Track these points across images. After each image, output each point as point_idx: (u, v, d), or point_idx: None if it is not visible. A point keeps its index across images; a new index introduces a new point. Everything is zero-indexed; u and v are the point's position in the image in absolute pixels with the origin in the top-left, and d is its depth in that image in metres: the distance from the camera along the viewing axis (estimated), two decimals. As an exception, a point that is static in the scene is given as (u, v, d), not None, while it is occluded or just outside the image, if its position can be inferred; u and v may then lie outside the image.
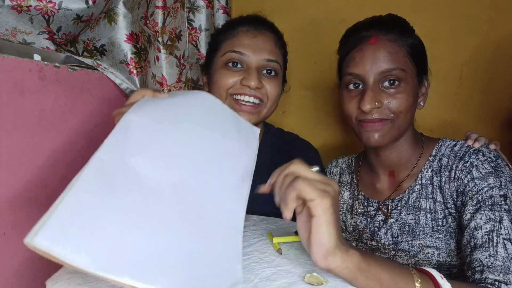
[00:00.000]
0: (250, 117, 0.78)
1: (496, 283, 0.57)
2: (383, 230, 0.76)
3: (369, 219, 0.80)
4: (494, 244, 0.60)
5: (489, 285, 0.57)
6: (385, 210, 0.77)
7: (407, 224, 0.73)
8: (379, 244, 0.76)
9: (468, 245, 0.63)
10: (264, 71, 0.78)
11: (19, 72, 0.63)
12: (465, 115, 1.13)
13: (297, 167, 0.47)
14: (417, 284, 0.48)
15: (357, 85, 0.72)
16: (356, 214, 0.83)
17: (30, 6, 0.66)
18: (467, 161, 0.69)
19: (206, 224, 0.46)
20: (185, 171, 0.50)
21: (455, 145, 0.74)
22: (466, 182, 0.68)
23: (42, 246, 0.34)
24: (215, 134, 0.57)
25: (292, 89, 1.27)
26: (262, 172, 0.84)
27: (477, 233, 0.62)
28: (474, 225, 0.63)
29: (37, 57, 0.68)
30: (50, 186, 0.70)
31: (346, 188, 0.89)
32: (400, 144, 0.76)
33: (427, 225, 0.71)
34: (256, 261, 0.52)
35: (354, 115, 0.73)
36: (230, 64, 0.78)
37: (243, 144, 0.60)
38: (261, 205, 0.85)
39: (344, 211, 0.87)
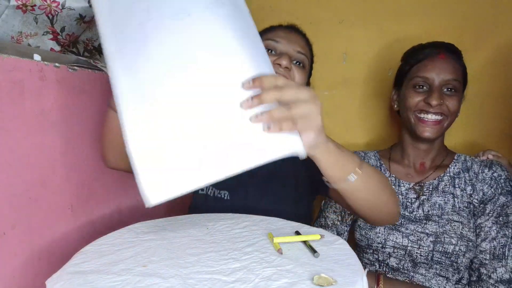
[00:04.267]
0: None
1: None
2: (416, 204, 0.94)
3: (400, 196, 0.97)
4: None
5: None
6: (418, 190, 0.96)
7: (437, 204, 0.92)
8: (411, 215, 0.93)
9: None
10: (295, 62, 0.86)
11: (19, 72, 0.63)
12: (465, 115, 1.13)
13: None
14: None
15: (421, 86, 0.93)
16: None
17: (35, 5, 0.66)
18: (495, 171, 0.91)
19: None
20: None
21: (470, 157, 0.98)
22: (494, 193, 0.89)
23: (163, 197, 0.47)
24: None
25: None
26: (280, 170, 0.89)
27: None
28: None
29: (37, 57, 0.68)
30: (50, 186, 0.70)
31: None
32: (436, 142, 0.97)
33: (454, 205, 0.91)
34: (256, 261, 0.52)
35: (416, 107, 0.93)
36: (267, 50, 0.87)
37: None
38: (263, 201, 0.86)
39: None
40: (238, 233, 0.63)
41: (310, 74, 0.96)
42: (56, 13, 0.69)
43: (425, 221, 0.91)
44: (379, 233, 0.92)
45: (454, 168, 0.96)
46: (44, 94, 0.68)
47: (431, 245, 0.88)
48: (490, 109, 1.13)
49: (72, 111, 0.75)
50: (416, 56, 0.96)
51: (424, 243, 0.88)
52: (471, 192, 0.91)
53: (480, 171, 0.92)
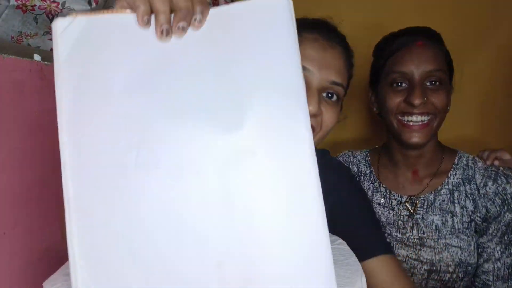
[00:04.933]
0: None
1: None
2: (409, 224, 0.81)
3: (391, 211, 0.83)
4: None
5: None
6: (410, 207, 0.82)
7: (434, 224, 0.79)
8: (404, 237, 0.80)
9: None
10: (325, 94, 0.62)
11: (19, 72, 0.63)
12: (465, 114, 1.12)
13: None
14: None
15: (400, 83, 0.78)
16: (378, 204, 0.85)
17: (35, 5, 0.67)
18: (500, 185, 0.77)
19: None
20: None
21: (473, 159, 0.83)
22: (499, 210, 0.76)
23: None
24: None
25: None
26: None
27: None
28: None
29: (37, 57, 0.68)
30: (50, 186, 0.70)
31: (365, 179, 0.90)
32: (428, 145, 0.82)
33: (453, 227, 0.78)
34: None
35: (397, 109, 0.78)
36: None
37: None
38: None
39: None
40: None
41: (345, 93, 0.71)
42: (56, 13, 0.70)
43: (419, 247, 0.79)
44: None
45: (453, 178, 0.81)
46: (44, 94, 0.68)
47: (425, 274, 0.77)
48: (490, 108, 1.12)
49: (72, 111, 0.75)
50: (389, 47, 0.82)
51: (418, 271, 0.78)
52: (473, 209, 0.78)
53: (482, 184, 0.78)
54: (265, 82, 0.37)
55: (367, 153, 0.95)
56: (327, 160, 0.75)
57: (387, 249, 0.63)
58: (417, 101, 0.74)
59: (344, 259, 0.52)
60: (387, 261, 0.61)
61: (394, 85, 0.79)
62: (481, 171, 0.79)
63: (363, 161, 0.93)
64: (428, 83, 0.77)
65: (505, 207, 0.75)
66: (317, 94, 0.60)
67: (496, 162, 0.80)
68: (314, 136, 0.58)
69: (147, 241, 0.35)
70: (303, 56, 0.57)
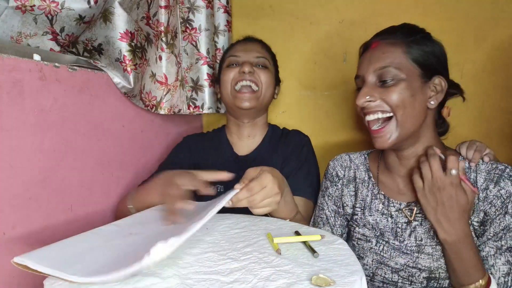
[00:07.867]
0: (250, 101, 0.98)
1: None
2: (407, 232, 0.79)
3: (389, 219, 0.82)
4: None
5: None
6: (408, 213, 0.79)
7: (432, 229, 0.75)
8: (402, 245, 0.79)
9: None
10: (257, 65, 1.01)
11: (19, 72, 0.63)
12: (465, 114, 1.12)
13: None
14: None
15: (360, 88, 0.78)
16: (377, 211, 0.84)
17: (34, 5, 0.67)
18: (503, 188, 0.72)
19: None
20: None
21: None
22: (499, 214, 0.72)
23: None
24: None
25: (292, 89, 1.27)
26: (266, 159, 1.02)
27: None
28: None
29: (37, 57, 0.68)
30: (50, 186, 0.70)
31: (364, 185, 0.88)
32: (418, 149, 0.79)
33: None
34: (255, 261, 0.52)
35: (358, 112, 0.80)
36: (230, 66, 1.03)
37: None
38: None
39: (362, 207, 0.87)
40: (237, 233, 0.63)
41: (277, 70, 1.09)
42: (56, 13, 0.70)
43: (417, 254, 0.77)
44: (367, 265, 0.82)
45: None
46: (44, 94, 0.68)
47: (425, 282, 0.76)
48: (490, 108, 1.12)
49: (72, 111, 0.75)
50: (360, 53, 0.82)
51: (416, 279, 0.76)
52: (470, 214, 0.74)
53: (484, 187, 0.74)
54: None
55: (366, 156, 0.92)
56: (291, 132, 1.10)
57: (310, 195, 0.96)
58: (359, 101, 0.75)
59: (344, 259, 0.53)
60: (306, 203, 0.94)
61: (357, 90, 0.79)
62: (483, 174, 0.75)
63: (361, 166, 0.91)
64: (382, 81, 0.74)
65: (504, 209, 0.71)
66: (249, 64, 0.98)
67: (486, 159, 0.76)
68: (260, 92, 1.01)
69: None
70: (235, 52, 1.04)
